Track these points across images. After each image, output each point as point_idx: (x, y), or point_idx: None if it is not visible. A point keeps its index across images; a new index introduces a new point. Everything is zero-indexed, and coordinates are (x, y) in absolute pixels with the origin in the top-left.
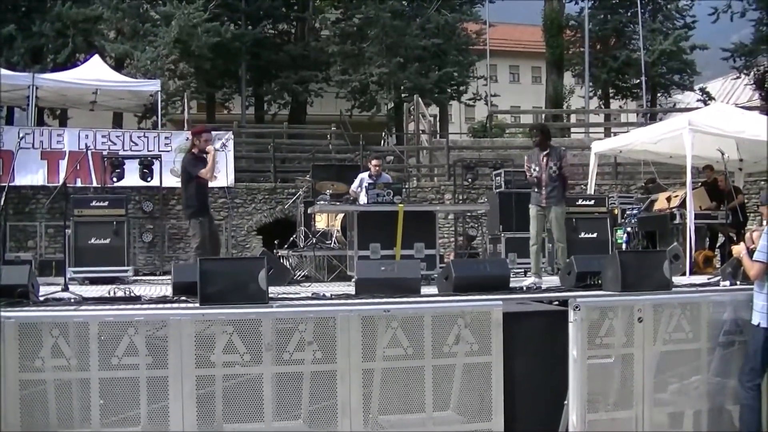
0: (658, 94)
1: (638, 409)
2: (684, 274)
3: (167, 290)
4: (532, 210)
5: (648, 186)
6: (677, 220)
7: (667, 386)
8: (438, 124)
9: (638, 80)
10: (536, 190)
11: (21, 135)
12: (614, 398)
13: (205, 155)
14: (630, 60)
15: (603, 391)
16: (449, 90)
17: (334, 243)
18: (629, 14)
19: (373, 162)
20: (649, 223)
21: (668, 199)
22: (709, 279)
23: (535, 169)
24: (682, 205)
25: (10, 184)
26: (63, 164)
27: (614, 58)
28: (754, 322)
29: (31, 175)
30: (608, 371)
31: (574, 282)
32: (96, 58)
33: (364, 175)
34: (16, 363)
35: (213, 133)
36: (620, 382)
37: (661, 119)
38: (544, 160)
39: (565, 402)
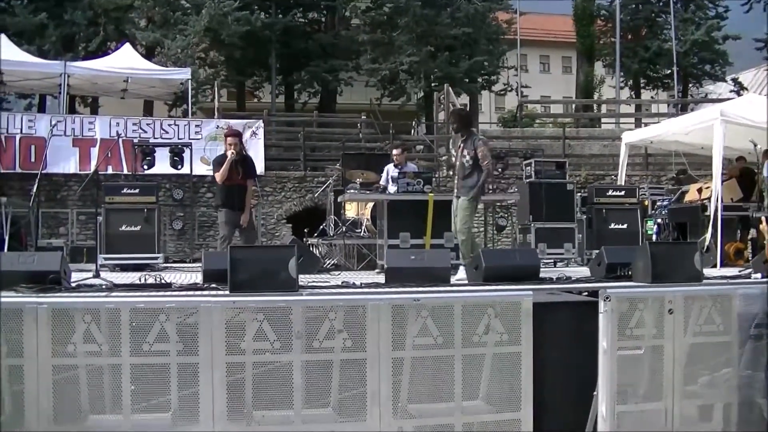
0: (690, 85)
1: (668, 401)
2: (715, 266)
3: (197, 277)
4: (453, 201)
5: (679, 177)
6: (708, 212)
7: (697, 379)
8: None
9: (669, 71)
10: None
11: (53, 123)
12: (644, 390)
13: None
14: (661, 50)
15: (632, 382)
16: (479, 79)
17: (364, 232)
18: (661, 4)
19: (395, 151)
20: (679, 215)
21: (699, 191)
22: (740, 271)
23: (453, 156)
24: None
25: (43, 172)
26: (94, 152)
27: (645, 49)
28: None
29: (62, 162)
30: (638, 363)
31: (603, 273)
32: (127, 46)
33: (390, 166)
34: (49, 348)
35: (244, 122)
36: (650, 373)
37: (692, 110)
38: (460, 148)
39: (594, 393)
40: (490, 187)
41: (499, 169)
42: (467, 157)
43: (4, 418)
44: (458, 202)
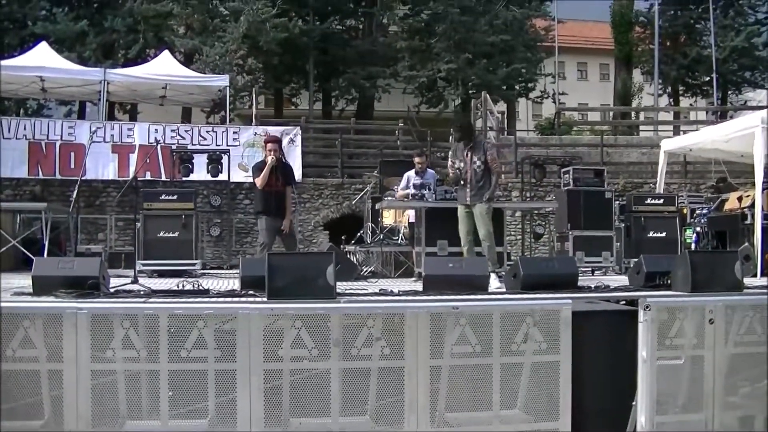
0: (729, 92)
1: (708, 412)
2: (755, 275)
3: (235, 284)
4: (460, 210)
5: (719, 185)
6: (748, 221)
7: (738, 389)
8: (505, 120)
9: (709, 77)
10: (462, 185)
11: (93, 129)
12: (683, 400)
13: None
14: (700, 57)
15: (672, 392)
16: (517, 87)
17: (402, 239)
18: (700, 10)
19: (417, 159)
20: (719, 223)
21: (739, 199)
22: None
23: (459, 166)
24: (754, 205)
25: (82, 178)
26: (133, 158)
27: (684, 55)
28: None
29: (102, 168)
30: (678, 373)
31: (642, 282)
32: (166, 53)
33: (411, 173)
34: (88, 353)
35: (281, 129)
36: (690, 384)
37: (731, 117)
38: (468, 156)
39: (633, 403)
40: (528, 195)
41: (537, 177)
42: (478, 163)
43: (43, 422)
44: (476, 209)
